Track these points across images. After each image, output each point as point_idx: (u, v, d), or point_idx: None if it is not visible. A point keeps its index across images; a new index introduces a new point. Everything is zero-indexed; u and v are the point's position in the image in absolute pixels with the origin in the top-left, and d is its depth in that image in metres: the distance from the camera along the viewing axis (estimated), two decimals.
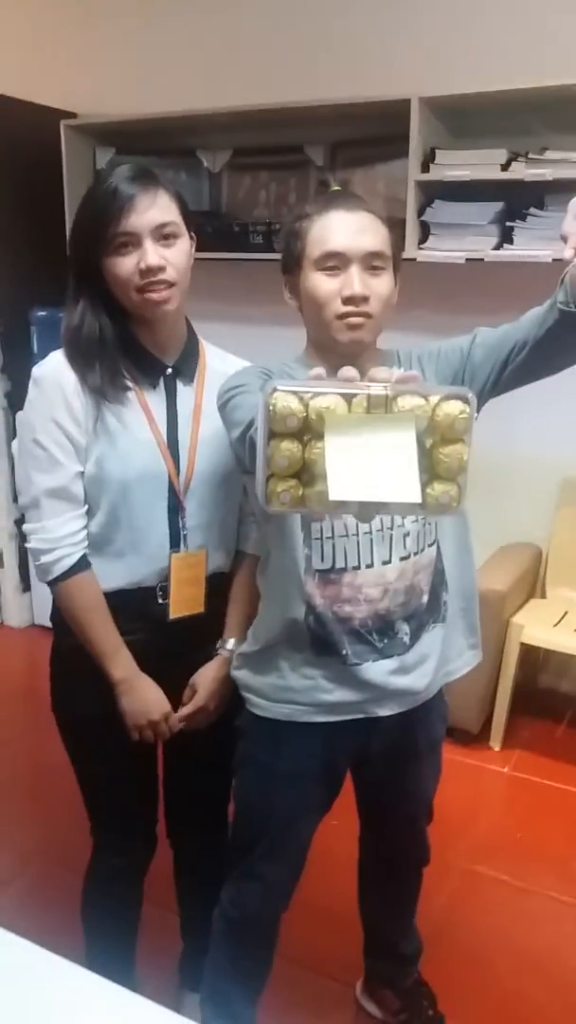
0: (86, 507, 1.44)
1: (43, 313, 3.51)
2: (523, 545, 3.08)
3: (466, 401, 0.88)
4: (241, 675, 1.50)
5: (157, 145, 3.39)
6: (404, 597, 1.39)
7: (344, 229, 1.30)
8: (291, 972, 1.78)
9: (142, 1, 3.40)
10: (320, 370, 0.92)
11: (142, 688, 1.47)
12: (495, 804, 2.65)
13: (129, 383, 1.43)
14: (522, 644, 2.79)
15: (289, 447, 0.86)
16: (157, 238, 1.35)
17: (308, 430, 0.86)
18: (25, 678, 3.57)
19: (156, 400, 1.46)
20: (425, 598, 1.42)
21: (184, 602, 1.50)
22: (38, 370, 1.43)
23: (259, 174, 3.27)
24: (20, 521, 3.92)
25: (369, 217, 1.32)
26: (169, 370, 1.47)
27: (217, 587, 1.55)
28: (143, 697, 1.47)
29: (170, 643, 1.51)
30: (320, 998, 1.91)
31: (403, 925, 1.83)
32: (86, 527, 1.44)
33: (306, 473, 0.87)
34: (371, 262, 1.31)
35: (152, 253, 1.34)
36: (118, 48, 3.48)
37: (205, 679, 1.55)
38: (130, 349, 1.44)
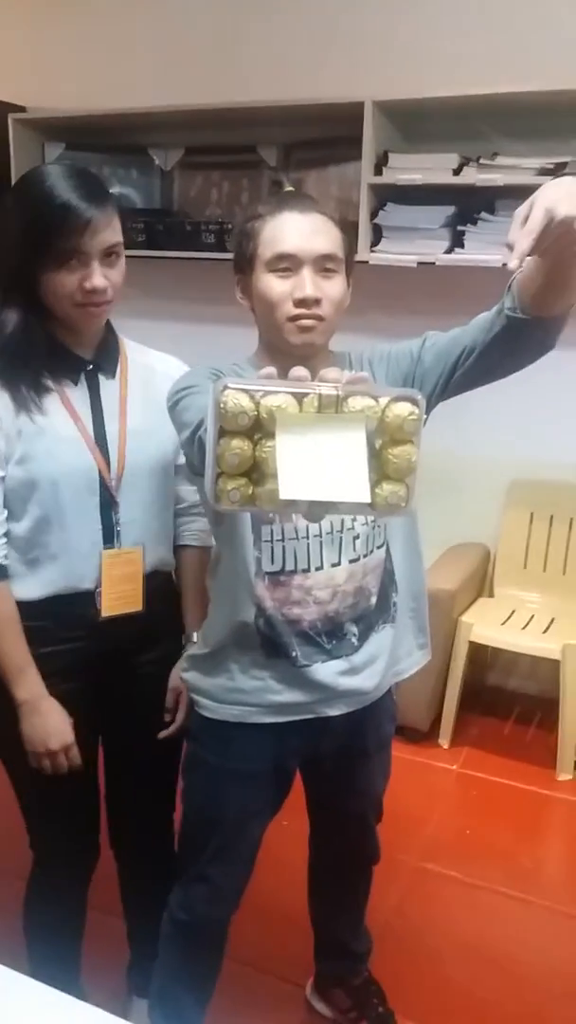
0: (5, 513, 1.40)
1: None
2: (472, 545, 3.12)
3: (415, 403, 0.89)
4: (190, 677, 1.49)
5: (108, 141, 3.36)
6: (353, 599, 1.40)
7: (297, 231, 1.30)
8: (241, 973, 1.78)
9: None
10: (271, 369, 0.92)
11: (45, 713, 1.42)
12: (444, 801, 2.68)
13: (49, 380, 1.40)
14: (471, 642, 2.82)
15: (240, 445, 0.86)
16: (103, 259, 1.34)
17: (259, 429, 0.86)
18: None
19: (79, 396, 1.43)
20: (374, 600, 1.43)
21: (118, 600, 1.46)
22: None
23: (211, 173, 3.26)
24: None
25: (322, 219, 1.32)
26: (90, 366, 1.45)
27: (157, 586, 1.52)
28: (44, 723, 1.42)
29: (110, 647, 1.48)
30: (270, 999, 1.91)
31: (353, 924, 1.84)
32: (4, 536, 1.40)
33: (256, 472, 0.87)
34: (323, 264, 1.30)
35: (98, 275, 1.33)
36: (70, 42, 3.43)
37: (177, 677, 1.55)
38: (49, 347, 1.41)
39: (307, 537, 1.35)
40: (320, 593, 1.37)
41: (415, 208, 2.78)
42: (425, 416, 0.91)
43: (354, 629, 1.41)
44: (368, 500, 0.87)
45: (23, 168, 3.32)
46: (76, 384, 1.43)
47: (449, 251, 2.76)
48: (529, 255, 1.06)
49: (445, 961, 2.04)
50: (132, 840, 1.68)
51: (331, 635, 1.40)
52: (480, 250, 2.70)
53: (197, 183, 3.29)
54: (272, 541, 1.35)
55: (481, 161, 2.67)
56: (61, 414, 1.40)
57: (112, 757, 1.64)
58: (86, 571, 1.44)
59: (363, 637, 1.43)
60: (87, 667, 1.48)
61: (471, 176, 2.66)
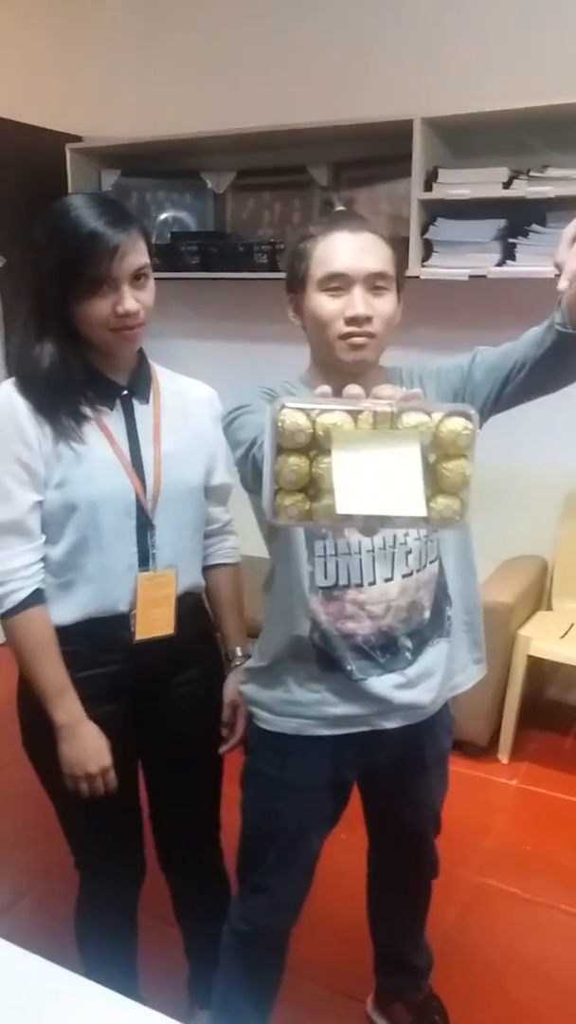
0: (43, 539, 1.42)
1: None
2: (529, 558, 3.09)
3: (468, 418, 0.90)
4: (248, 689, 1.51)
5: (162, 167, 3.45)
6: (407, 613, 1.40)
7: (347, 250, 1.32)
8: (302, 987, 1.78)
9: (146, 26, 3.46)
10: (326, 388, 0.94)
11: (83, 736, 1.42)
12: (504, 816, 2.65)
13: (87, 407, 1.43)
14: (529, 656, 2.79)
15: (297, 462, 0.88)
16: (132, 282, 1.36)
17: (315, 446, 0.88)
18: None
19: (115, 421, 1.46)
20: (427, 614, 1.43)
21: (151, 623, 1.47)
22: None
23: (263, 194, 3.31)
24: None
25: (372, 238, 1.34)
26: (124, 391, 1.48)
27: (188, 608, 1.53)
28: (83, 747, 1.42)
29: (144, 669, 1.50)
30: (331, 1013, 1.91)
31: (413, 939, 1.83)
32: (42, 560, 1.42)
33: (313, 487, 0.89)
34: (374, 282, 1.32)
35: (129, 299, 1.35)
36: (123, 72, 3.53)
37: (233, 691, 1.58)
38: (85, 375, 1.43)
39: (359, 552, 1.36)
40: (374, 608, 1.38)
41: (466, 222, 2.79)
42: (478, 430, 0.91)
43: (408, 643, 1.42)
44: (424, 514, 0.88)
45: None
46: (112, 409, 1.46)
47: (500, 264, 2.76)
48: None
49: (505, 978, 2.01)
50: (179, 859, 1.70)
51: (385, 649, 1.40)
52: (532, 262, 2.69)
53: (249, 205, 3.35)
54: (325, 556, 1.36)
55: (531, 174, 2.67)
56: (99, 439, 1.42)
57: (152, 779, 1.65)
58: (121, 593, 1.45)
59: (417, 651, 1.43)
60: (123, 690, 1.49)
61: (521, 189, 2.66)
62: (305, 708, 1.43)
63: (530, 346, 1.30)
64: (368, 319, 1.31)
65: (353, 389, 0.92)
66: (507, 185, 2.69)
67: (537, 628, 2.88)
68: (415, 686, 1.44)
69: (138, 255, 1.35)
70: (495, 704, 2.84)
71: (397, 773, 1.55)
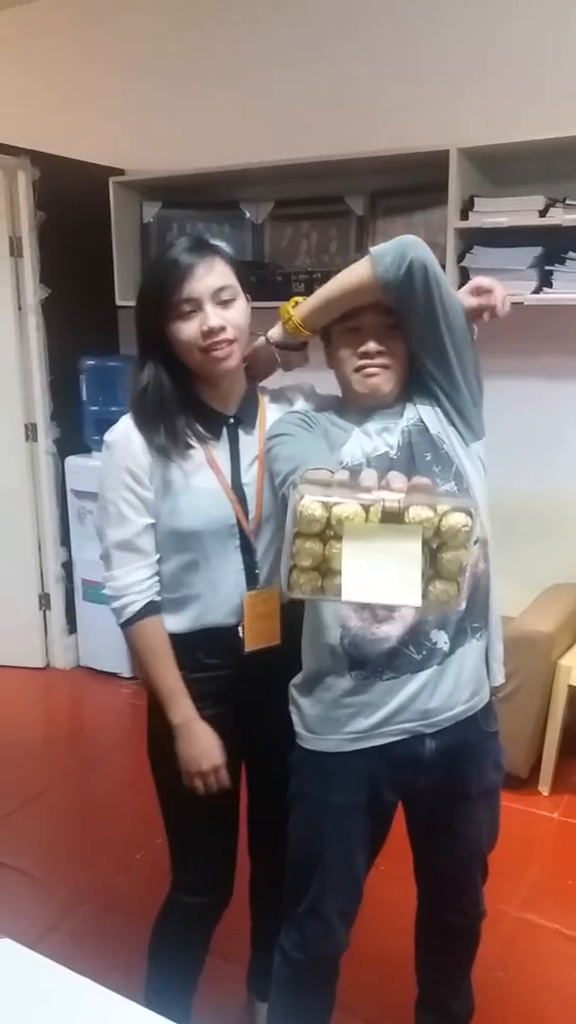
0: (157, 556, 1.54)
1: (92, 362, 3.62)
2: (569, 586, 3.05)
3: (470, 515, 0.99)
4: (293, 708, 1.54)
5: (201, 198, 3.50)
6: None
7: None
8: (343, 1019, 1.76)
9: (184, 62, 3.54)
10: (344, 474, 1.07)
11: (197, 735, 1.52)
12: (545, 850, 2.60)
13: (193, 439, 1.52)
14: (570, 687, 2.75)
15: (312, 546, 0.99)
16: (216, 301, 1.44)
17: (329, 527, 0.98)
18: (72, 720, 3.62)
19: (220, 450, 1.55)
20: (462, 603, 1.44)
21: (259, 635, 1.57)
22: (109, 435, 1.54)
23: (301, 224, 3.35)
24: (67, 565, 3.99)
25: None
26: (231, 420, 1.56)
27: (296, 615, 1.58)
28: (196, 745, 1.52)
29: (253, 674, 1.57)
30: None
31: (455, 985, 1.80)
32: (155, 576, 1.54)
33: (325, 565, 1.00)
34: (386, 322, 1.45)
35: (213, 316, 1.43)
36: (162, 107, 3.62)
37: None
38: (194, 406, 1.53)
39: None
40: (404, 609, 1.39)
41: (502, 250, 2.79)
42: (480, 524, 1.01)
43: (444, 636, 1.43)
44: (419, 604, 0.99)
45: (123, 226, 3.52)
46: (218, 440, 1.55)
47: (537, 291, 2.76)
48: None
49: (547, 1016, 1.97)
50: (267, 843, 1.76)
51: (419, 646, 1.42)
52: (568, 289, 2.69)
53: (287, 234, 3.39)
54: None
55: (567, 202, 2.67)
56: (204, 469, 1.52)
57: (254, 777, 1.72)
58: (230, 609, 1.55)
59: (455, 643, 1.44)
60: (233, 694, 1.58)
61: (558, 216, 2.66)
62: (341, 724, 1.45)
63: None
64: (380, 352, 1.45)
65: (367, 480, 1.02)
66: (543, 213, 2.70)
67: None
68: (447, 684, 1.45)
69: (217, 276, 1.45)
70: (536, 735, 2.80)
71: (439, 800, 1.54)
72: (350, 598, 0.96)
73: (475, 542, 1.03)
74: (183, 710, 1.52)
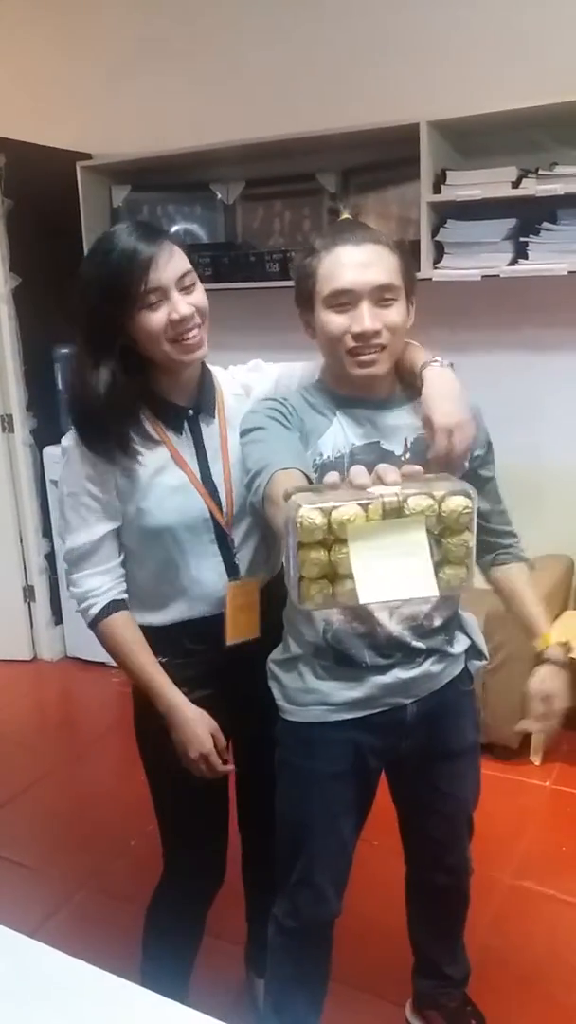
0: (118, 560, 1.52)
1: (66, 350, 3.58)
2: (554, 557, 3.06)
3: (468, 496, 0.98)
4: (273, 683, 1.55)
5: (171, 180, 3.46)
6: (413, 621, 1.44)
7: (351, 264, 1.32)
8: (340, 992, 1.78)
9: (150, 42, 3.49)
10: (335, 476, 1.03)
11: (186, 722, 1.51)
12: (538, 819, 2.62)
13: (155, 436, 1.48)
14: None
15: (317, 556, 0.97)
16: (180, 288, 1.40)
17: (331, 533, 0.96)
18: (61, 709, 3.61)
19: (184, 444, 1.51)
20: (438, 621, 1.47)
21: (240, 628, 1.56)
22: (66, 440, 1.50)
23: (272, 203, 3.32)
24: (50, 556, 3.96)
25: (375, 249, 1.34)
26: (190, 412, 1.52)
27: (271, 597, 1.58)
28: (187, 733, 1.51)
29: (237, 656, 1.57)
30: (369, 1017, 1.90)
31: (450, 948, 1.83)
32: (118, 577, 1.52)
33: (332, 572, 0.98)
34: (381, 295, 1.33)
35: (181, 303, 1.39)
36: (129, 88, 3.56)
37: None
38: (151, 402, 1.48)
39: None
40: (380, 615, 1.42)
41: (476, 223, 2.78)
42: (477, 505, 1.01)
43: (421, 645, 1.46)
44: (436, 593, 0.98)
45: (93, 211, 3.48)
46: (180, 434, 1.51)
47: (513, 263, 2.75)
48: None
49: (544, 980, 1.99)
50: (257, 824, 1.76)
51: (399, 648, 1.45)
52: (544, 260, 2.68)
53: (259, 214, 3.36)
54: None
55: (540, 172, 2.66)
56: (169, 465, 1.48)
57: (242, 751, 1.72)
58: (213, 601, 1.54)
59: (432, 653, 1.48)
60: (217, 676, 1.57)
61: (531, 187, 2.65)
62: (323, 695, 1.47)
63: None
64: (376, 333, 1.32)
65: (359, 477, 1.00)
66: (516, 184, 2.68)
67: (565, 628, 2.85)
68: (429, 669, 1.49)
69: (179, 262, 1.40)
70: (524, 707, 2.81)
71: (422, 760, 1.57)
72: (367, 600, 0.94)
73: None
74: (167, 698, 1.50)
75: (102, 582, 1.51)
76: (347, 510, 0.95)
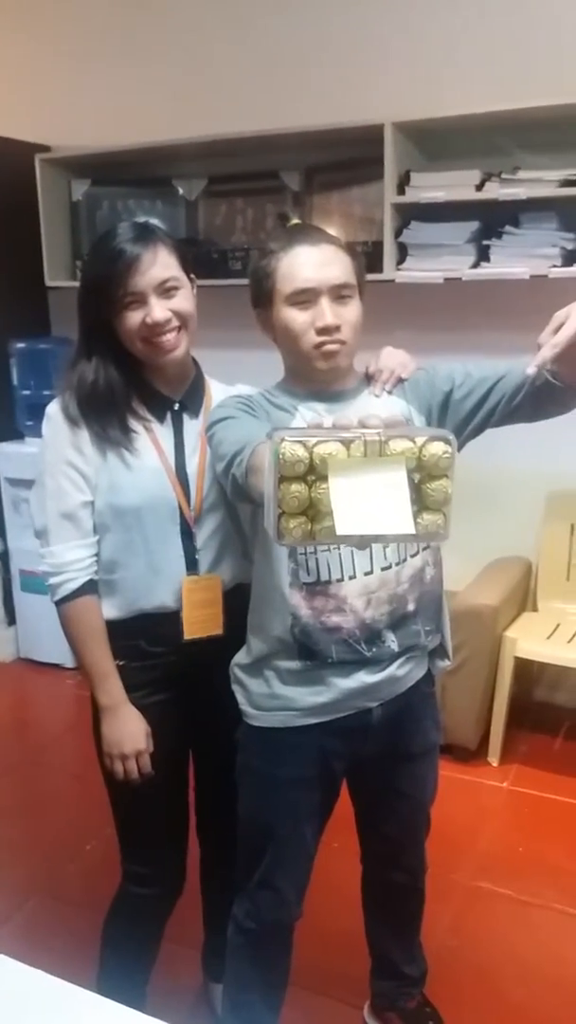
0: (96, 537, 1.51)
1: (22, 345, 3.52)
2: (513, 559, 3.09)
3: (448, 442, 1.00)
4: (236, 687, 1.53)
5: (132, 175, 3.42)
6: (388, 606, 1.43)
7: (310, 264, 1.37)
8: (299, 994, 1.76)
9: (114, 34, 3.44)
10: (319, 419, 1.05)
11: (123, 718, 1.51)
12: (496, 819, 2.64)
13: (137, 422, 1.50)
14: (516, 658, 2.79)
15: (298, 489, 0.98)
16: (160, 293, 1.43)
17: (312, 472, 0.98)
18: (14, 712, 3.55)
19: (164, 433, 1.53)
20: (412, 607, 1.45)
21: (198, 623, 1.55)
22: (51, 408, 1.51)
23: (235, 200, 3.30)
24: (3, 555, 3.89)
25: (331, 249, 1.39)
26: (176, 405, 1.55)
27: (237, 600, 1.57)
28: (121, 728, 1.51)
29: (195, 661, 1.55)
30: (327, 1020, 1.89)
31: (407, 948, 1.83)
32: (94, 556, 1.51)
33: (312, 509, 0.99)
34: (339, 292, 1.38)
35: (157, 309, 1.42)
36: (90, 81, 3.52)
37: None
38: (141, 388, 1.52)
39: (339, 547, 1.38)
40: (355, 602, 1.41)
41: (439, 225, 2.80)
42: (456, 452, 1.01)
43: (392, 636, 1.45)
44: (412, 531, 0.98)
45: (52, 205, 3.43)
46: (162, 422, 1.53)
47: (475, 266, 2.76)
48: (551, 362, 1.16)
49: (502, 980, 2.00)
50: (216, 829, 1.76)
51: (370, 643, 1.43)
52: (506, 263, 2.70)
53: (222, 211, 3.34)
54: (307, 553, 1.39)
55: (503, 176, 2.68)
56: (148, 449, 1.51)
57: (201, 763, 1.71)
58: (169, 593, 1.53)
59: (403, 644, 1.46)
60: (176, 680, 1.57)
61: (494, 191, 2.67)
62: (288, 700, 1.46)
63: (514, 384, 1.38)
64: (338, 327, 1.37)
65: (343, 420, 1.01)
66: (479, 187, 2.70)
67: (523, 629, 2.88)
68: (396, 673, 1.48)
69: (162, 268, 1.43)
70: (484, 707, 2.83)
71: (383, 762, 1.57)
72: (344, 532, 0.95)
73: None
74: (113, 692, 1.51)
75: (81, 555, 1.50)
76: (329, 446, 0.97)
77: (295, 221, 1.53)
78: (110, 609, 1.53)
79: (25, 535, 3.46)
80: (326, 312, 1.36)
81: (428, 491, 1.00)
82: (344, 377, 1.45)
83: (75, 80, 3.54)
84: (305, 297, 1.37)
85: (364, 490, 0.96)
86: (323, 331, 1.37)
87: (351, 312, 1.39)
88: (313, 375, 1.42)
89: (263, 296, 1.42)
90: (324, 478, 0.97)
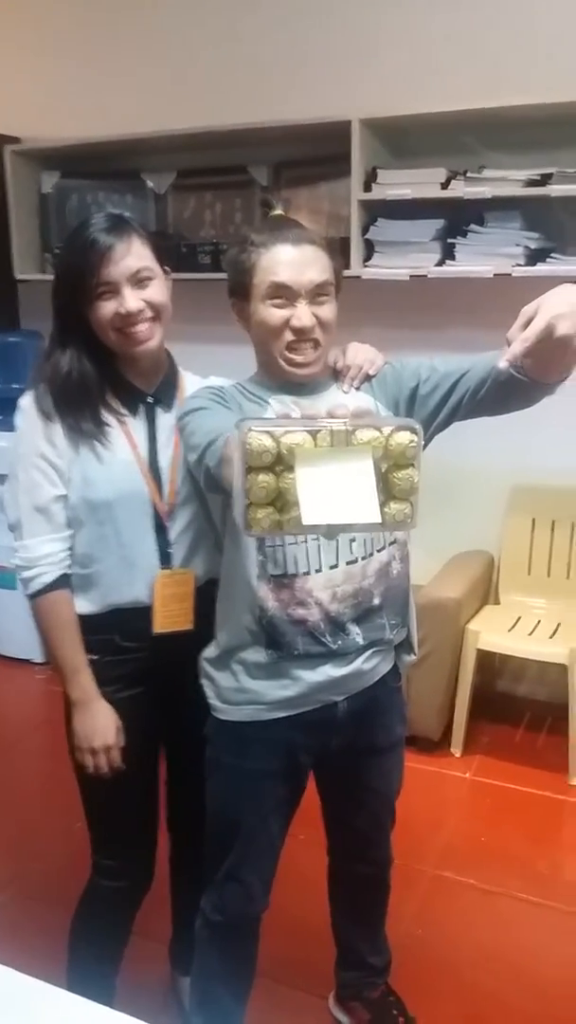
0: (69, 532, 1.51)
1: None
2: (475, 553, 3.14)
3: (414, 432, 1.01)
4: (205, 681, 1.54)
5: (102, 168, 3.41)
6: (353, 600, 1.44)
7: (290, 264, 1.38)
8: (265, 985, 1.78)
9: (85, 27, 3.42)
10: (286, 410, 1.06)
11: (94, 712, 1.52)
12: (458, 809, 2.68)
13: (110, 416, 1.50)
14: (478, 650, 2.83)
15: (265, 479, 0.98)
16: (134, 283, 1.43)
17: (280, 462, 0.98)
18: None
19: (137, 426, 1.53)
20: (377, 600, 1.47)
21: (169, 618, 1.55)
22: (24, 401, 1.51)
23: (204, 195, 3.30)
24: None
25: (312, 249, 1.39)
26: (149, 399, 1.55)
27: (210, 596, 1.57)
28: (92, 722, 1.52)
29: (166, 657, 1.56)
30: (293, 1010, 1.91)
31: (371, 937, 1.86)
32: (68, 550, 1.51)
33: (280, 500, 0.99)
34: (317, 293, 1.39)
35: (130, 299, 1.42)
36: (61, 73, 3.49)
37: None
38: (114, 382, 1.52)
39: (305, 540, 1.40)
40: (320, 594, 1.42)
41: (406, 222, 2.82)
42: (423, 442, 1.02)
43: (357, 629, 1.46)
44: (379, 520, 0.99)
45: (21, 197, 3.40)
46: (135, 416, 1.53)
47: (440, 263, 2.79)
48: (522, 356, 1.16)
49: (465, 968, 2.04)
50: (185, 823, 1.76)
51: (335, 635, 1.44)
52: (471, 261, 2.73)
53: (190, 205, 3.33)
54: (275, 546, 1.40)
55: (468, 175, 2.70)
56: (121, 443, 1.50)
57: (173, 758, 1.72)
58: (142, 587, 1.53)
59: (368, 637, 1.47)
60: (148, 675, 1.57)
61: (459, 190, 2.69)
62: (256, 695, 1.47)
63: (479, 378, 1.38)
64: (312, 328, 1.38)
65: (311, 409, 1.03)
66: (445, 186, 2.73)
67: (485, 622, 2.93)
68: (361, 667, 1.49)
69: (135, 258, 1.43)
70: (447, 698, 2.87)
71: (350, 756, 1.59)
72: (311, 521, 0.96)
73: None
74: (84, 686, 1.51)
75: (55, 549, 1.50)
76: (296, 436, 0.97)
77: (278, 211, 1.53)
78: (85, 604, 1.53)
79: None
80: (303, 314, 1.37)
81: (395, 480, 1.01)
82: (319, 374, 1.46)
83: (46, 72, 3.52)
84: (282, 295, 1.37)
85: (331, 480, 0.96)
86: (298, 332, 1.38)
87: (327, 312, 1.40)
88: (284, 374, 1.43)
89: (240, 287, 1.42)
90: (291, 468, 0.97)
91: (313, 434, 0.98)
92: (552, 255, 2.67)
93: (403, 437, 1.00)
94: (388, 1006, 1.87)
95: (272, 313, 1.38)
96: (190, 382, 1.61)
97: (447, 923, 2.18)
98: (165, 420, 1.55)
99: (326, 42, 3.04)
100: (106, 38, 3.39)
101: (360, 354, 1.51)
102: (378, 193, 2.81)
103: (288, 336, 1.39)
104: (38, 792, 2.73)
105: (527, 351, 1.14)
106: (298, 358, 1.40)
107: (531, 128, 2.71)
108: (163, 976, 1.97)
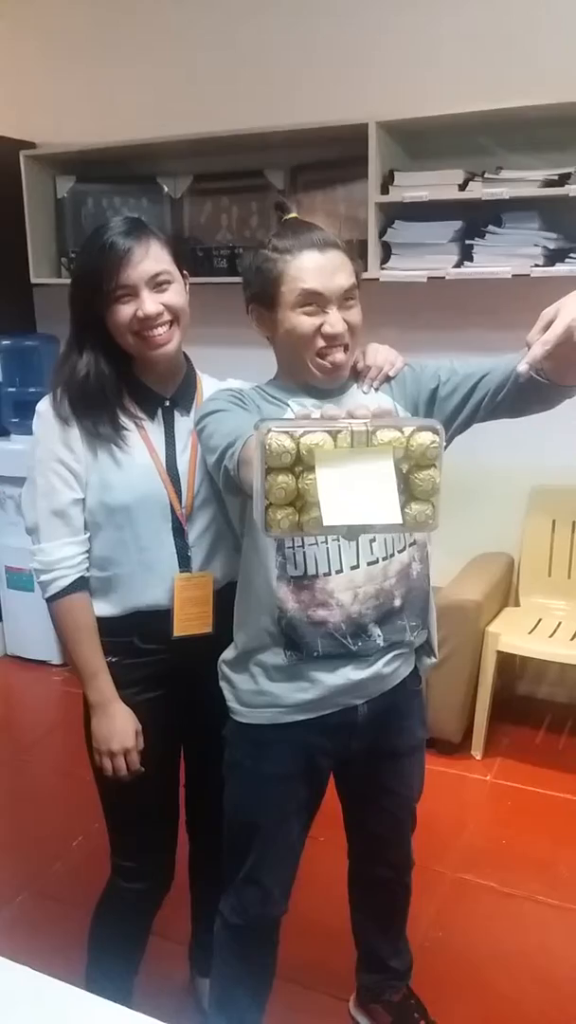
0: (86, 535, 1.52)
1: (7, 342, 3.52)
2: (496, 555, 3.12)
3: (436, 432, 1.00)
4: (224, 684, 1.54)
5: (117, 173, 3.43)
6: (375, 600, 1.44)
7: (319, 271, 1.38)
8: (285, 988, 1.78)
9: (100, 31, 3.44)
10: (307, 411, 1.05)
11: (112, 715, 1.52)
12: (479, 812, 2.67)
13: (128, 419, 1.51)
14: (499, 652, 2.82)
15: (285, 480, 0.97)
16: (152, 287, 1.44)
17: (299, 463, 0.97)
18: (1, 709, 3.55)
19: (155, 430, 1.54)
20: (398, 602, 1.46)
21: (189, 621, 1.55)
22: (41, 405, 1.51)
23: (220, 199, 3.30)
24: None
25: (338, 254, 1.40)
26: (167, 402, 1.55)
27: (230, 599, 1.57)
28: (110, 725, 1.52)
29: (186, 659, 1.56)
30: (314, 1013, 1.91)
31: (392, 940, 1.85)
32: (85, 554, 1.52)
33: (300, 500, 0.99)
34: (346, 298, 1.39)
35: (149, 302, 1.43)
36: (77, 77, 3.51)
37: None
38: (132, 386, 1.52)
39: (326, 541, 1.40)
40: (341, 596, 1.41)
41: (423, 224, 2.82)
42: (444, 443, 1.01)
43: (378, 631, 1.45)
44: (400, 521, 0.97)
45: (36, 201, 3.42)
46: (153, 419, 1.54)
47: (458, 265, 2.78)
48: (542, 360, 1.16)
49: (486, 971, 2.03)
50: (207, 820, 1.74)
51: (356, 636, 1.44)
52: (489, 263, 2.72)
53: (207, 209, 3.34)
54: (294, 547, 1.40)
55: (486, 176, 2.70)
56: (139, 446, 1.51)
57: (191, 760, 1.72)
58: (162, 591, 1.53)
59: (389, 638, 1.47)
60: (168, 678, 1.57)
61: (477, 191, 2.69)
62: (275, 697, 1.47)
63: (499, 381, 1.39)
64: (343, 334, 1.39)
65: (331, 410, 1.01)
66: (463, 187, 2.72)
67: (506, 624, 2.91)
68: (382, 669, 1.49)
69: (153, 261, 1.43)
70: (467, 701, 2.86)
71: (370, 759, 1.58)
72: (331, 522, 0.94)
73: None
74: (102, 688, 1.52)
75: (74, 552, 1.50)
76: (316, 436, 0.96)
77: (292, 215, 1.52)
78: (104, 606, 1.53)
79: (11, 532, 3.46)
80: (336, 320, 1.38)
81: (416, 481, 1.00)
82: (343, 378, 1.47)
83: (61, 77, 3.54)
84: (313, 302, 1.37)
85: (351, 480, 0.95)
86: (330, 338, 1.38)
87: (355, 315, 1.41)
88: (306, 375, 1.43)
89: (265, 295, 1.41)
90: (311, 469, 0.96)
91: (333, 434, 0.97)
92: (571, 255, 2.65)
93: (424, 438, 0.99)
94: (410, 1009, 1.86)
95: (303, 321, 1.38)
96: (208, 385, 1.61)
97: (468, 926, 2.17)
98: (183, 423, 1.55)
99: (342, 45, 3.04)
100: (120, 42, 3.41)
101: (380, 355, 1.52)
102: (395, 195, 2.81)
103: (320, 342, 1.39)
104: (57, 793, 2.74)
105: (547, 354, 1.14)
106: (328, 364, 1.40)
107: (548, 128, 2.70)
108: (182, 977, 1.98)
